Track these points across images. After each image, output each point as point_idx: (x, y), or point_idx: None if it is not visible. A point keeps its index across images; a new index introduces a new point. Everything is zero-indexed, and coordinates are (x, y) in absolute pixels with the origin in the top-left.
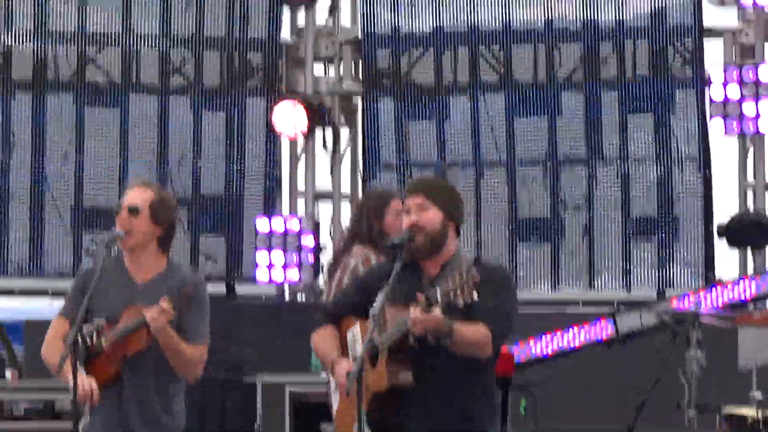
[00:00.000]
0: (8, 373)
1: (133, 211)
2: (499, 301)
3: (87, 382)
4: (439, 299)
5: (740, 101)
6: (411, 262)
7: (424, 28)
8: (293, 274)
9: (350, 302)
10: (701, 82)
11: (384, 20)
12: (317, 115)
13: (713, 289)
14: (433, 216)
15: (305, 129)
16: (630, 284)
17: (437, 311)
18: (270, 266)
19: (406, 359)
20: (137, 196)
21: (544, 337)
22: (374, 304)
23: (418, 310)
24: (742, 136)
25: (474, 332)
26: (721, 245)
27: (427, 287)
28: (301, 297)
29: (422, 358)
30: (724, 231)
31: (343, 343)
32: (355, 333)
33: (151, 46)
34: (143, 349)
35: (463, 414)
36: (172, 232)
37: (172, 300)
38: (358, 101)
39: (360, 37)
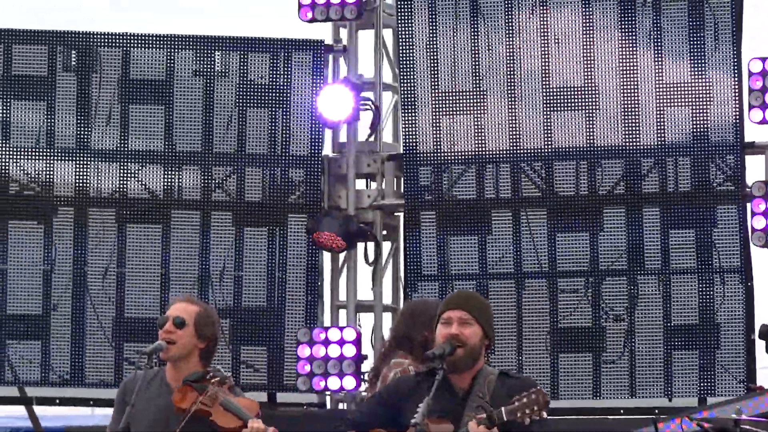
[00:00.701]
0: None
1: (179, 323)
2: (537, 427)
3: None
4: (505, 418)
5: None
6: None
7: (466, 147)
8: (334, 383)
9: (377, 414)
10: (743, 197)
11: (426, 137)
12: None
13: (755, 398)
14: (474, 331)
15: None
16: (671, 392)
17: (495, 430)
18: (311, 375)
19: None
20: (183, 309)
21: None
22: (416, 416)
23: (482, 428)
24: None
25: None
26: (762, 355)
27: (484, 405)
28: (343, 405)
29: None
30: (764, 334)
31: None
32: None
33: (194, 163)
34: None
35: None
36: (215, 346)
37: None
38: (400, 215)
39: (402, 152)
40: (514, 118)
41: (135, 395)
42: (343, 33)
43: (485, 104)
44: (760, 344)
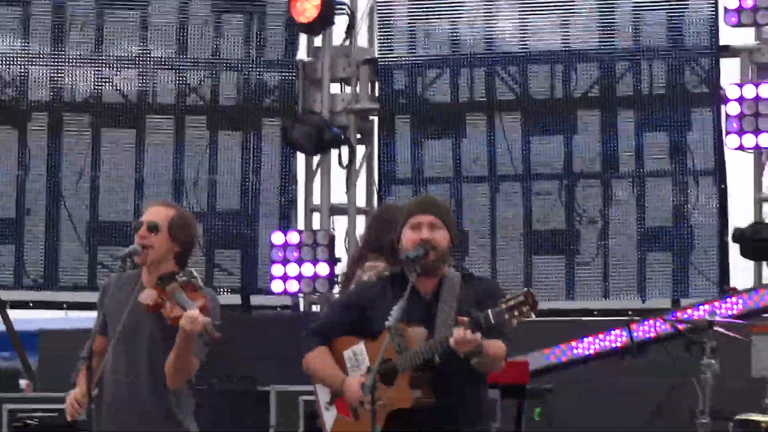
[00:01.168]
0: (23, 383)
1: (153, 228)
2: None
3: (72, 397)
4: (493, 321)
5: (755, 117)
6: (402, 279)
7: (441, 50)
8: (308, 286)
9: (343, 321)
10: (717, 99)
11: (400, 41)
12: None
13: (728, 298)
14: (444, 235)
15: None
16: (645, 294)
17: (479, 333)
18: (285, 278)
19: (426, 378)
20: (157, 213)
21: (558, 346)
22: (389, 320)
23: (467, 332)
24: (757, 151)
25: (496, 349)
26: (735, 256)
27: (471, 309)
28: (316, 308)
29: (442, 375)
30: (738, 237)
31: (338, 361)
32: (359, 350)
33: (168, 68)
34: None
35: (471, 423)
36: (190, 249)
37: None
38: (375, 120)
39: (377, 57)
40: (489, 22)
41: (109, 297)
42: None
43: (460, 8)
44: (733, 246)
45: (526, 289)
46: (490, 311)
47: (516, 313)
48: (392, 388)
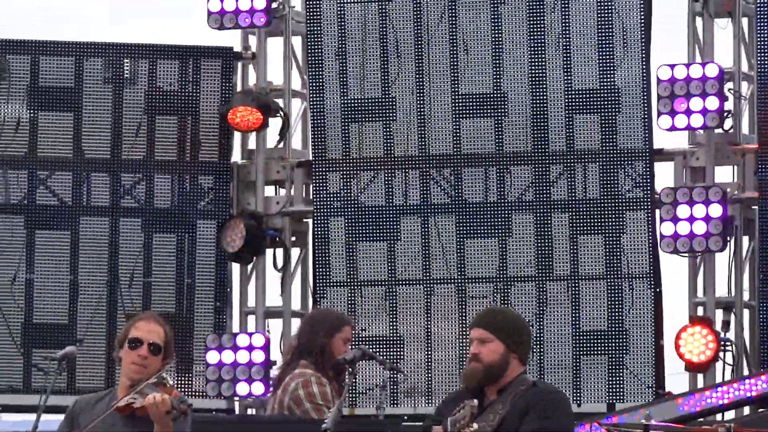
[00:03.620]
0: None
1: (156, 350)
2: (540, 423)
3: None
4: (450, 429)
5: (690, 221)
6: (479, 388)
7: (375, 153)
8: (243, 389)
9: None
10: (651, 203)
11: (335, 144)
12: (263, 232)
13: (664, 402)
14: (493, 348)
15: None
16: (580, 398)
17: None
18: (220, 381)
19: None
20: (155, 332)
21: None
22: (326, 422)
23: None
24: (692, 254)
25: None
26: (671, 360)
27: (433, 416)
28: (251, 411)
29: None
30: None
31: None
32: None
33: (103, 170)
34: None
35: None
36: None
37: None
38: (309, 222)
39: (310, 159)
40: (423, 124)
41: (83, 413)
42: (252, 40)
43: (394, 111)
44: (669, 350)
45: (467, 401)
46: (449, 419)
47: (459, 423)
48: None
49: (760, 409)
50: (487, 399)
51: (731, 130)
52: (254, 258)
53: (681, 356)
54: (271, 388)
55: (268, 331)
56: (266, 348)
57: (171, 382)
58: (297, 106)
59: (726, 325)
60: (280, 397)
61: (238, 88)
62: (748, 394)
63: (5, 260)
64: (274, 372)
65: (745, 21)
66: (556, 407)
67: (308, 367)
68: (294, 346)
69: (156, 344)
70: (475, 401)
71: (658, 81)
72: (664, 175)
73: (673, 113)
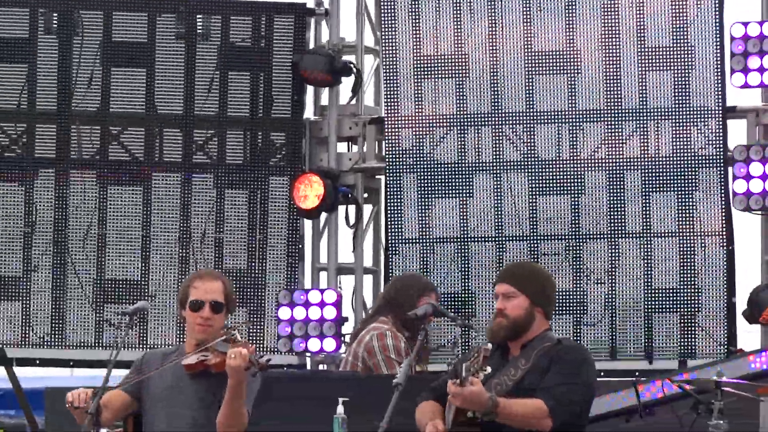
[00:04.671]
0: None
1: (217, 308)
2: (563, 378)
3: (84, 392)
4: (464, 373)
5: (763, 179)
6: (504, 346)
7: (448, 110)
8: (314, 345)
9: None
10: (724, 160)
11: (407, 101)
12: (336, 190)
13: (735, 359)
14: (518, 303)
15: (320, 202)
16: (652, 355)
17: (472, 387)
18: (291, 337)
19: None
20: (215, 291)
21: None
22: (397, 377)
23: (455, 386)
24: (765, 212)
25: (523, 406)
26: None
27: (457, 365)
28: (323, 367)
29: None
30: (748, 314)
31: None
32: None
33: (175, 126)
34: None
35: None
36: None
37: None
38: (381, 179)
39: (383, 116)
40: (496, 81)
41: (148, 365)
42: None
43: (467, 68)
44: (741, 307)
45: (481, 345)
46: (463, 365)
47: (474, 367)
48: None
49: None
50: (511, 354)
51: None
52: (326, 214)
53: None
54: (348, 344)
55: (340, 288)
56: (338, 304)
57: (240, 338)
58: (369, 63)
59: None
60: (355, 349)
61: (311, 45)
62: None
63: (78, 216)
64: (347, 328)
65: None
66: (580, 364)
67: (386, 322)
68: (379, 302)
69: (217, 302)
70: (489, 345)
71: (732, 38)
72: (737, 133)
73: (746, 71)
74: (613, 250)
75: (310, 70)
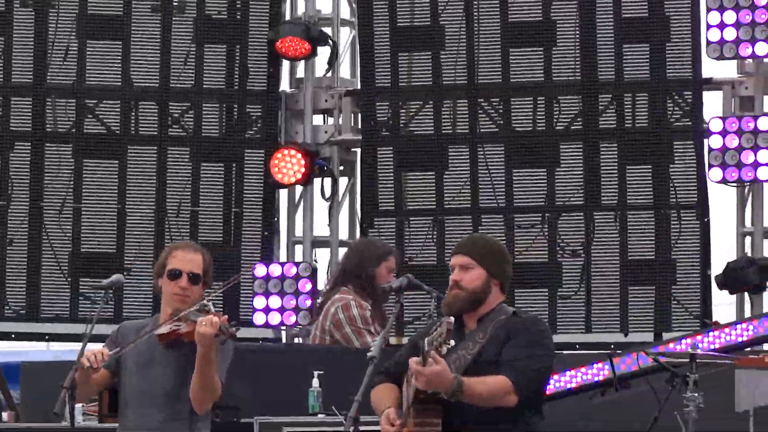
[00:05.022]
0: (5, 416)
1: (195, 279)
2: (522, 351)
3: (100, 353)
4: (426, 348)
5: (738, 150)
6: (458, 317)
7: (424, 81)
8: (290, 318)
9: (404, 360)
10: (700, 133)
11: (383, 73)
12: (314, 164)
13: (710, 332)
14: (476, 275)
15: (302, 177)
16: (627, 327)
17: (435, 366)
18: (267, 310)
19: (435, 410)
20: (193, 262)
21: None
22: (371, 350)
23: (415, 365)
24: (740, 184)
25: (486, 384)
26: (717, 290)
27: (419, 342)
28: (298, 340)
29: (451, 409)
30: (721, 281)
31: None
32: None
33: (150, 99)
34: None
35: None
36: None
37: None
38: (357, 151)
39: (359, 88)
40: (471, 53)
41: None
42: None
43: (443, 39)
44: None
45: (443, 319)
46: (426, 339)
47: (439, 340)
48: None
49: None
50: (467, 328)
51: None
52: (301, 187)
53: None
54: (311, 317)
55: (316, 261)
56: (314, 277)
57: (213, 310)
58: (345, 35)
59: None
60: (321, 323)
61: (287, 17)
62: None
63: (53, 189)
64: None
65: None
66: (539, 335)
67: (348, 292)
68: (338, 273)
69: (195, 274)
70: (452, 318)
71: (708, 10)
72: (713, 105)
73: (722, 42)
74: (589, 223)
75: (287, 39)
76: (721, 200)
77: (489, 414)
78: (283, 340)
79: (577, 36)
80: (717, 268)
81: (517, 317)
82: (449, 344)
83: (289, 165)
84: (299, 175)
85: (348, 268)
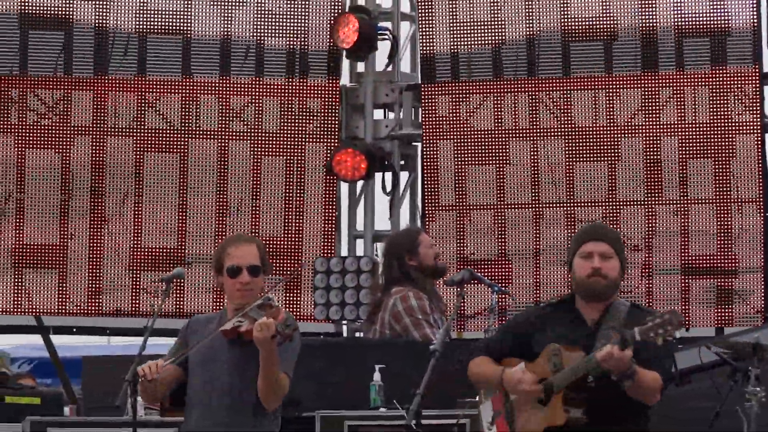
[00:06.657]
0: (67, 409)
1: (255, 271)
2: (663, 351)
3: (154, 364)
4: (638, 338)
5: None
6: (569, 306)
7: (485, 75)
8: (351, 313)
9: (506, 341)
10: (761, 126)
11: (443, 67)
12: (376, 161)
13: None
14: (614, 265)
15: (364, 173)
16: (689, 322)
17: (629, 352)
18: (328, 305)
19: (581, 397)
20: (251, 254)
21: None
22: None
23: (616, 348)
24: None
25: (651, 379)
26: None
27: (618, 328)
28: (359, 335)
29: (596, 396)
30: None
31: None
32: (518, 370)
33: (211, 93)
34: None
35: None
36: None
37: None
38: (418, 145)
39: (419, 83)
40: (532, 47)
41: (193, 332)
42: None
43: (503, 33)
44: None
45: (671, 309)
46: (636, 329)
47: (661, 331)
48: (547, 406)
49: None
50: (586, 316)
51: None
52: (362, 181)
53: None
54: (370, 313)
55: (377, 255)
56: (374, 272)
57: (276, 303)
58: (406, 29)
59: None
60: (381, 316)
61: (347, 10)
62: None
63: (115, 183)
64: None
65: None
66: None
67: (404, 286)
68: (383, 275)
69: (254, 266)
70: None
71: None
72: None
73: None
74: (650, 217)
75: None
76: None
77: (630, 406)
78: (344, 335)
79: (638, 30)
80: None
81: (642, 309)
82: (672, 338)
83: (349, 160)
84: (361, 170)
85: (388, 275)
